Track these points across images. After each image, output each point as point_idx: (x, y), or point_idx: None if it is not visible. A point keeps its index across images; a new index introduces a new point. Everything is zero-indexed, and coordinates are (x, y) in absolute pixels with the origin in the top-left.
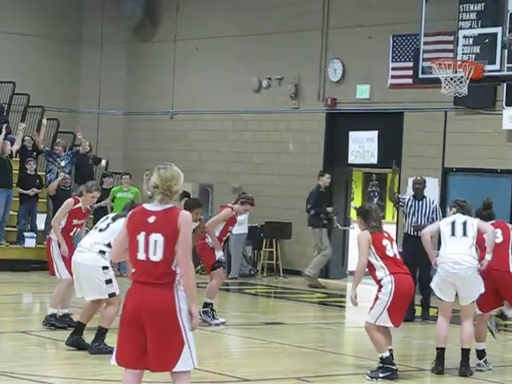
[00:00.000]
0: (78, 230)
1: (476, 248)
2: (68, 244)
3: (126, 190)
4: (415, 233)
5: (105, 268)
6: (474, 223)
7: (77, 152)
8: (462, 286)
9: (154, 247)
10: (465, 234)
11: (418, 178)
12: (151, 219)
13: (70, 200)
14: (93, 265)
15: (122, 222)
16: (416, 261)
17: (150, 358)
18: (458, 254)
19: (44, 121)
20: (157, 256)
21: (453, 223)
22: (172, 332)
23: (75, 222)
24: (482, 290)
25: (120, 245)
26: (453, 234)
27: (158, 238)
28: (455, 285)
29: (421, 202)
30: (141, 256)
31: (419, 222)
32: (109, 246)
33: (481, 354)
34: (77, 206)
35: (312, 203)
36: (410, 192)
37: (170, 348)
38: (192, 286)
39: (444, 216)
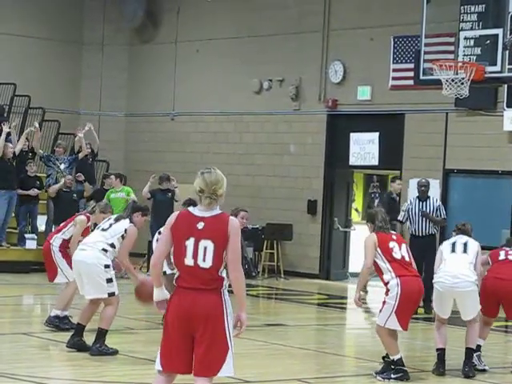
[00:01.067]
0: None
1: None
2: (66, 258)
3: (119, 190)
4: (420, 233)
5: (106, 266)
6: (475, 244)
7: (76, 158)
8: (461, 302)
9: (203, 254)
10: (465, 251)
11: (423, 180)
12: (200, 225)
13: (83, 218)
14: (94, 262)
15: (124, 222)
16: (422, 261)
17: (197, 362)
18: (456, 268)
19: (36, 124)
20: (206, 263)
21: (454, 243)
22: (220, 337)
23: (81, 238)
24: (479, 306)
25: (163, 248)
26: (453, 251)
27: (207, 245)
28: (453, 300)
29: (425, 203)
30: (189, 262)
31: (423, 223)
32: (112, 246)
33: (476, 348)
34: (88, 224)
35: None
36: (412, 194)
37: (217, 352)
38: (242, 293)
39: (444, 216)
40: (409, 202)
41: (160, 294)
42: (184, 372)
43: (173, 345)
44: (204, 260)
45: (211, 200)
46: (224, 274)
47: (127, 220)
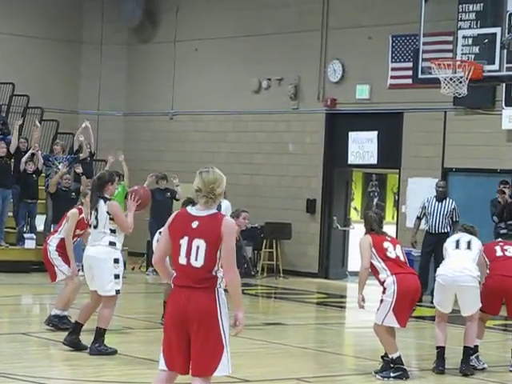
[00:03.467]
0: (79, 239)
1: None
2: (61, 256)
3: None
4: (434, 231)
5: (116, 261)
6: (479, 243)
7: (76, 158)
8: (462, 296)
9: (195, 253)
10: (469, 247)
11: (441, 182)
12: (195, 224)
13: (75, 211)
14: (105, 258)
15: (101, 205)
16: (431, 255)
17: (193, 361)
18: (459, 263)
19: (37, 122)
20: (198, 262)
21: (458, 240)
22: (214, 336)
23: (77, 232)
24: (480, 303)
25: (162, 247)
26: (457, 247)
27: (200, 244)
28: (454, 295)
29: (441, 204)
30: (182, 260)
31: (439, 222)
32: (113, 232)
33: (473, 349)
34: (81, 216)
35: (496, 213)
36: (411, 193)
37: (212, 352)
38: (238, 293)
39: (457, 219)
40: (426, 200)
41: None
42: (183, 372)
43: (172, 344)
44: (196, 259)
45: (207, 199)
46: (219, 274)
47: (101, 201)
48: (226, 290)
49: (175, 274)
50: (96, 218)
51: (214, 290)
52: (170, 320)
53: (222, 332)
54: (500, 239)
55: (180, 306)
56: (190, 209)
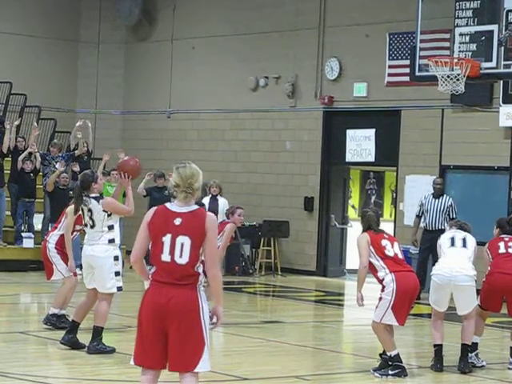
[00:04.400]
0: (78, 234)
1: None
2: (60, 254)
3: (114, 185)
4: (432, 228)
5: (115, 259)
6: (473, 240)
7: (72, 155)
8: (458, 295)
9: (180, 250)
10: (464, 245)
11: (437, 179)
12: (177, 221)
13: (72, 207)
14: (105, 256)
15: (94, 206)
16: (430, 252)
17: (172, 357)
18: (455, 262)
19: (34, 123)
20: (183, 259)
21: (452, 238)
22: (195, 332)
23: (77, 227)
24: (476, 302)
25: (141, 245)
26: (452, 245)
27: (184, 241)
28: (451, 294)
29: (437, 200)
30: (165, 258)
31: (436, 218)
32: (110, 228)
33: (473, 347)
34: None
35: None
36: (408, 191)
37: (192, 348)
38: (220, 289)
39: (454, 216)
40: (423, 198)
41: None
42: (157, 368)
43: (147, 340)
44: (181, 256)
45: (187, 194)
46: (200, 270)
47: (93, 201)
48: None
49: (154, 270)
50: (91, 218)
51: (195, 287)
52: (147, 316)
53: (203, 329)
54: (506, 234)
55: (160, 303)
56: (169, 205)
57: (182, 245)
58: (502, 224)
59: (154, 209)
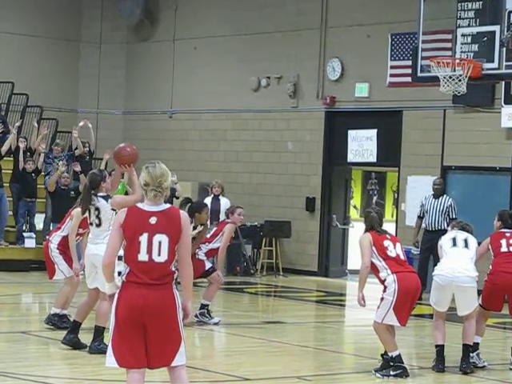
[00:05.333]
0: (81, 238)
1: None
2: (63, 254)
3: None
4: (433, 228)
5: (119, 258)
6: (475, 241)
7: (72, 155)
8: (459, 296)
9: (157, 248)
10: (466, 246)
11: (437, 179)
12: (153, 220)
13: (78, 210)
14: None
15: (103, 205)
16: (430, 253)
17: (152, 355)
18: (458, 262)
19: (34, 123)
20: (161, 257)
21: (454, 238)
22: (173, 329)
23: (80, 230)
24: (477, 303)
25: (115, 248)
26: (454, 245)
27: (162, 239)
28: (452, 294)
29: (437, 201)
30: (142, 257)
31: (436, 219)
32: None
33: (474, 346)
34: (84, 215)
35: None
36: (410, 191)
37: (170, 344)
38: (191, 286)
39: (454, 216)
40: (424, 198)
41: (113, 287)
42: (142, 366)
43: (127, 340)
44: (159, 254)
45: (156, 193)
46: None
47: (102, 200)
48: (178, 283)
49: (128, 271)
50: (98, 216)
51: (171, 286)
52: (125, 316)
53: (179, 324)
54: (508, 229)
55: (139, 303)
56: (141, 205)
57: (160, 243)
58: (504, 217)
59: (124, 210)
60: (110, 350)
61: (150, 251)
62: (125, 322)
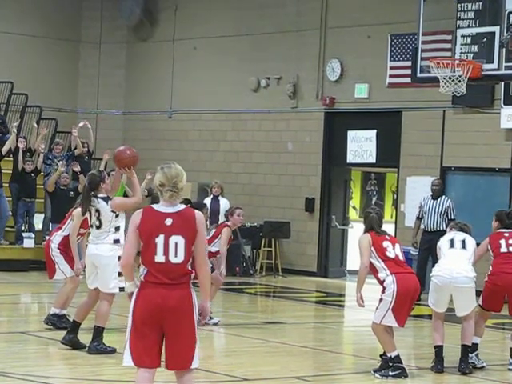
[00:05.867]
0: (82, 238)
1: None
2: (63, 254)
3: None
4: (431, 229)
5: (120, 259)
6: (473, 241)
7: (72, 155)
8: (458, 297)
9: (174, 249)
10: (464, 247)
11: (436, 180)
12: (168, 221)
13: (79, 210)
14: (109, 255)
15: (103, 207)
16: (429, 254)
17: (169, 356)
18: (455, 263)
19: (33, 123)
20: (178, 258)
21: (452, 239)
22: (190, 330)
23: (81, 230)
24: (476, 303)
25: (132, 249)
26: (452, 246)
27: (178, 240)
28: (450, 295)
29: (436, 202)
30: (159, 258)
31: (434, 219)
32: (117, 229)
33: (473, 347)
34: (85, 216)
35: None
36: (409, 192)
37: (188, 346)
38: (209, 286)
39: (453, 217)
40: (422, 199)
41: (132, 286)
42: (156, 366)
43: (144, 340)
44: (176, 255)
45: (172, 193)
46: (189, 268)
47: (102, 202)
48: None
49: (146, 272)
50: (98, 218)
51: (189, 285)
52: (143, 316)
53: (195, 326)
54: (506, 229)
55: (157, 303)
56: (156, 206)
57: (176, 244)
58: (501, 217)
59: (139, 211)
60: (127, 350)
61: (166, 252)
62: (142, 321)
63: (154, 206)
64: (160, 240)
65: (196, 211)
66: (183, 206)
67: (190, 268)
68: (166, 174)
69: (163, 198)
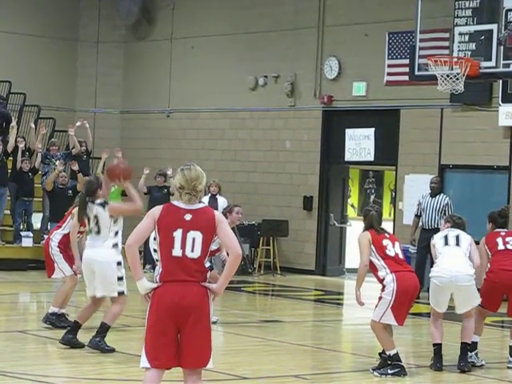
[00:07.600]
0: (81, 236)
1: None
2: (63, 253)
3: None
4: (429, 227)
5: (119, 264)
6: (468, 237)
7: (69, 154)
8: (458, 294)
9: (191, 244)
10: (458, 244)
11: (435, 178)
12: (188, 217)
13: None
14: (108, 260)
15: (100, 212)
16: (428, 252)
17: (186, 354)
18: (454, 262)
19: (31, 124)
20: (195, 253)
21: (445, 236)
22: (206, 328)
23: (81, 228)
24: (478, 301)
25: (142, 233)
26: (446, 244)
27: (196, 236)
28: (451, 294)
29: (434, 199)
30: (176, 252)
31: (432, 217)
32: (116, 234)
33: (473, 346)
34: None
35: None
36: (408, 190)
37: (204, 344)
38: (231, 272)
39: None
40: (421, 197)
41: (144, 285)
42: (172, 366)
43: (161, 340)
44: (192, 250)
45: (191, 196)
46: (207, 265)
47: (99, 208)
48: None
49: (161, 271)
50: (97, 224)
51: (205, 283)
52: (160, 316)
53: (210, 324)
54: (500, 227)
55: (174, 301)
56: (176, 203)
57: (194, 239)
58: (493, 218)
59: (160, 206)
60: (143, 352)
61: (183, 247)
62: (159, 319)
63: (175, 202)
64: (178, 234)
65: (216, 210)
66: (203, 205)
67: (205, 266)
68: (185, 177)
69: (182, 200)
